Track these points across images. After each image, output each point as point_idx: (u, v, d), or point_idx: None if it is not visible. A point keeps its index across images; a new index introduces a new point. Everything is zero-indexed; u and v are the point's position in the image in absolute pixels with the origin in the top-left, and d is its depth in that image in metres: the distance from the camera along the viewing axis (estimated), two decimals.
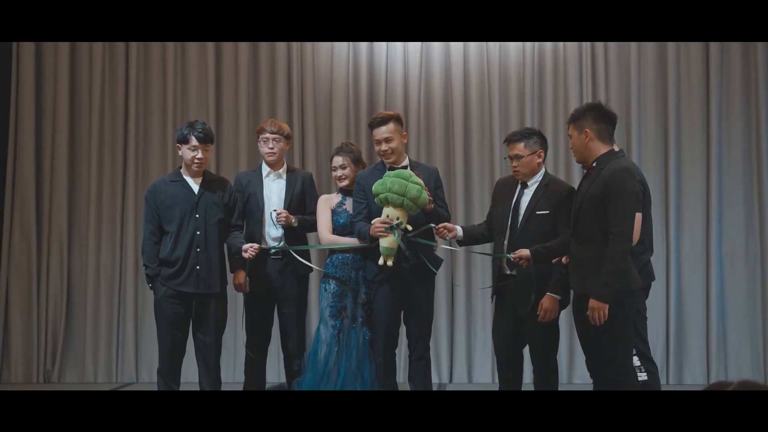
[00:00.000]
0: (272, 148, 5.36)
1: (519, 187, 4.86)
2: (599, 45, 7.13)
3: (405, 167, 5.03)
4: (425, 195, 4.83)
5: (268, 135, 5.35)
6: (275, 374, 6.88)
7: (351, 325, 5.22)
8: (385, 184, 4.80)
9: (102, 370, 7.24)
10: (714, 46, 7.01)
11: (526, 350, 4.98)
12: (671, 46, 7.07)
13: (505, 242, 4.83)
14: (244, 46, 7.27)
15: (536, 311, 4.70)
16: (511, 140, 4.84)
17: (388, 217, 4.87)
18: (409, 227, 4.86)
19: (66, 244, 7.28)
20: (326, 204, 5.34)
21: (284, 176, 5.44)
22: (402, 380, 6.21)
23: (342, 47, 7.26)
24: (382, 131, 5.03)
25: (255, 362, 5.50)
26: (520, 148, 4.79)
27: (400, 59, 7.27)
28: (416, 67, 7.25)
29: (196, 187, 5.09)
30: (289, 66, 7.29)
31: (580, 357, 6.70)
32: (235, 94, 7.31)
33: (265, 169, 5.44)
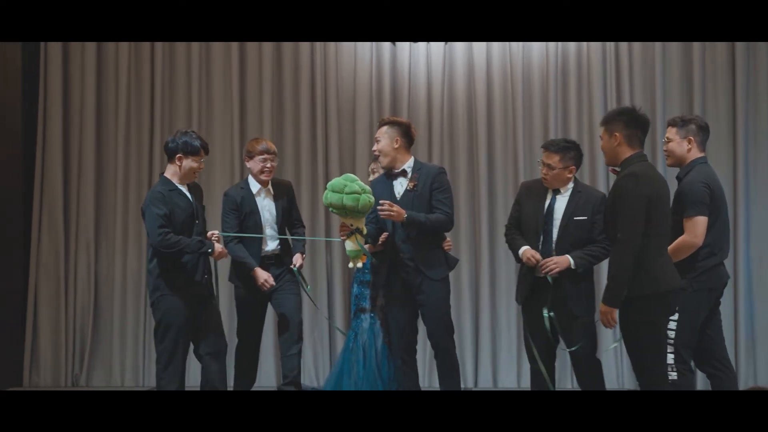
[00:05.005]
0: (270, 168, 5.59)
1: (551, 192, 5.00)
2: (623, 45, 7.15)
3: (403, 172, 5.17)
4: (365, 198, 4.94)
5: (266, 155, 5.56)
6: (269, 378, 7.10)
7: (369, 327, 5.39)
8: (326, 197, 5.00)
9: (129, 373, 7.29)
10: (740, 45, 7.02)
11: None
12: (696, 45, 7.07)
13: (540, 246, 4.97)
14: (267, 46, 7.32)
15: (575, 314, 4.88)
16: (549, 149, 4.99)
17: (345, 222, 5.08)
18: (364, 230, 5.02)
19: (93, 248, 7.36)
20: None
21: (272, 191, 5.67)
22: (426, 384, 6.20)
23: (365, 47, 7.32)
24: (376, 133, 5.25)
25: (246, 362, 5.71)
26: (555, 159, 4.93)
27: (423, 60, 7.31)
28: (439, 68, 7.30)
29: (189, 195, 5.20)
30: (313, 66, 7.34)
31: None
32: (259, 94, 7.36)
33: (255, 185, 5.64)
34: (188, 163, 5.13)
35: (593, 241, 4.90)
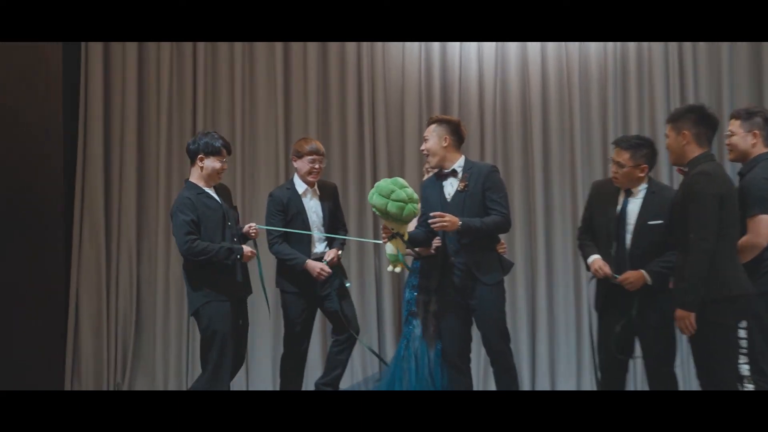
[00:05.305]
0: (318, 169, 5.56)
1: (623, 194, 4.82)
2: (687, 45, 6.99)
3: (453, 172, 5.04)
4: (410, 207, 4.87)
5: (315, 156, 5.53)
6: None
7: (422, 333, 5.38)
8: (372, 198, 4.93)
9: (172, 381, 7.17)
10: None
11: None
12: (767, 46, 6.90)
13: (614, 252, 4.79)
14: (312, 46, 7.22)
15: (652, 325, 4.69)
16: (619, 145, 4.81)
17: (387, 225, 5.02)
18: (406, 236, 4.95)
19: (135, 253, 7.27)
20: None
21: (318, 192, 5.63)
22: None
23: (413, 47, 7.20)
24: (424, 132, 5.15)
25: (292, 372, 5.63)
26: (625, 157, 4.74)
27: (474, 59, 7.17)
28: (491, 68, 7.17)
29: (217, 197, 5.22)
30: (359, 66, 7.23)
31: None
32: (304, 95, 7.25)
33: (301, 186, 5.60)
34: (210, 163, 5.13)
35: (670, 246, 4.67)
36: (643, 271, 4.64)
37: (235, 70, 7.27)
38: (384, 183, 4.94)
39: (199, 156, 5.12)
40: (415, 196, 4.91)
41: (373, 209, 4.96)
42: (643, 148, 4.74)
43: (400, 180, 4.97)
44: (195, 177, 5.17)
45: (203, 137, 5.17)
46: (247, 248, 5.13)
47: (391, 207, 4.81)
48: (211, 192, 5.17)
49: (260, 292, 5.51)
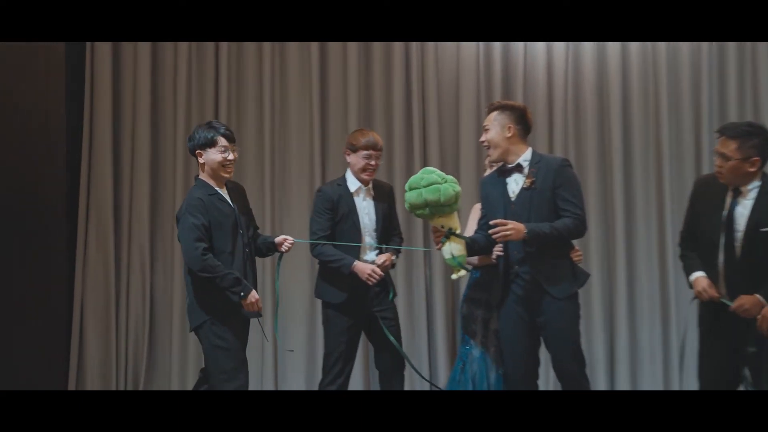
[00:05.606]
0: (374, 166, 5.30)
1: (731, 193, 4.42)
2: None
3: (518, 166, 4.71)
4: (446, 188, 4.54)
5: (372, 152, 5.24)
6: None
7: (481, 355, 5.13)
8: (408, 201, 4.65)
9: None
10: None
11: None
12: None
13: (721, 264, 4.41)
14: (353, 46, 6.88)
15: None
16: (725, 134, 4.42)
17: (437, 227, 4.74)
18: (458, 229, 4.65)
19: (148, 260, 6.93)
20: (475, 215, 5.20)
21: (372, 192, 5.37)
22: None
23: (470, 47, 6.87)
24: (484, 121, 4.88)
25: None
26: (731, 148, 4.34)
27: (542, 60, 6.81)
28: (561, 69, 6.81)
29: (229, 200, 4.95)
30: (408, 67, 6.89)
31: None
32: (344, 100, 6.89)
33: (354, 184, 5.31)
34: (210, 156, 4.82)
35: None
36: (758, 296, 4.23)
37: (264, 74, 6.91)
38: (412, 177, 4.71)
39: (197, 151, 4.84)
40: (450, 177, 4.62)
41: (414, 212, 4.66)
42: (754, 137, 4.31)
43: (429, 167, 4.74)
44: (204, 176, 4.91)
45: (198, 129, 4.89)
46: (254, 295, 4.78)
47: (426, 193, 4.51)
48: (224, 193, 4.88)
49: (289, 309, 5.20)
